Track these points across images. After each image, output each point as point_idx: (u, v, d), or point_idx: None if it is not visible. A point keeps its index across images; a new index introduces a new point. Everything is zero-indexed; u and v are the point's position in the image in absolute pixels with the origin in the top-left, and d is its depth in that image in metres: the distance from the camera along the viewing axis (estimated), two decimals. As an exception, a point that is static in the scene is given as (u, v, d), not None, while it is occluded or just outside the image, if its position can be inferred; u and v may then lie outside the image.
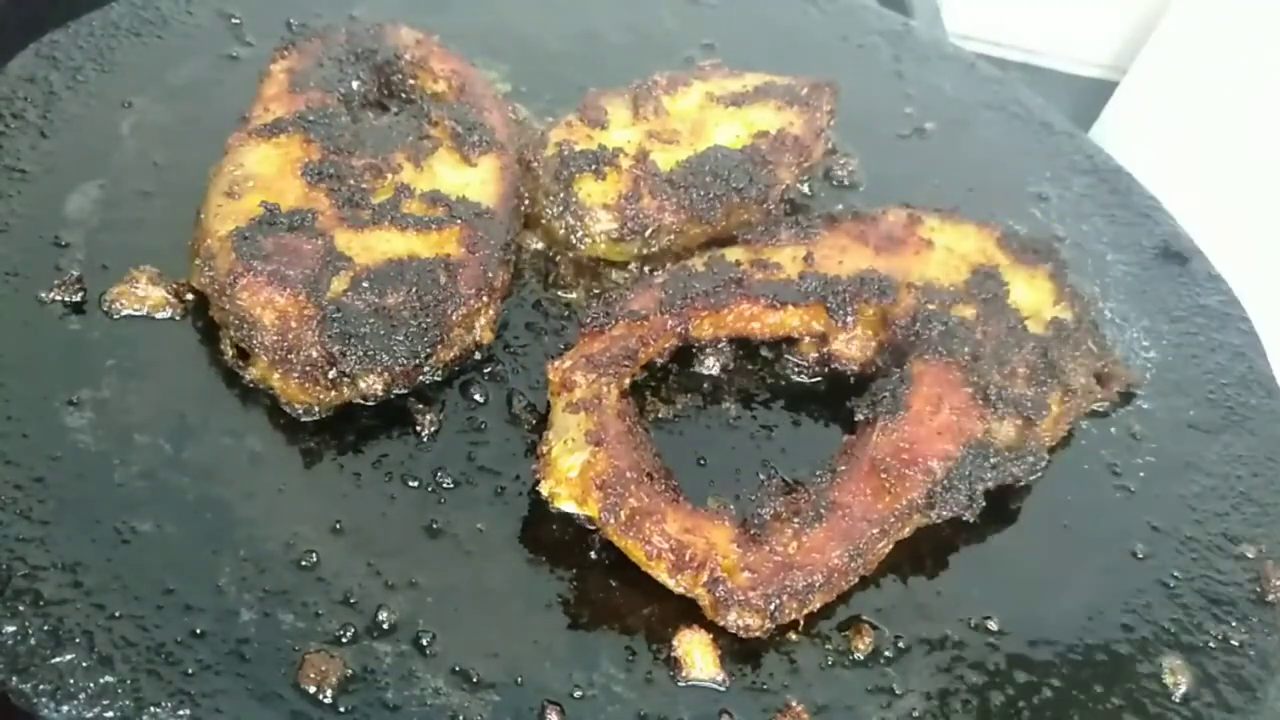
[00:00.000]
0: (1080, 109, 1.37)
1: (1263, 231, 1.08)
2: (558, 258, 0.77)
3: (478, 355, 0.69)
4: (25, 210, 0.70)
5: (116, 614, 0.53)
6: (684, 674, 0.58)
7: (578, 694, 0.56)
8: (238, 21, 0.87)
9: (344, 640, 0.55)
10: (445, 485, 0.63)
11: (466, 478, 0.63)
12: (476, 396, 0.67)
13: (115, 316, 0.65)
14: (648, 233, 0.76)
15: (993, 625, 0.62)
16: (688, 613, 0.59)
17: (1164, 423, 0.75)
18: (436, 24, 0.87)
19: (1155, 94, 1.28)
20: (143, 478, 0.59)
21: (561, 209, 0.76)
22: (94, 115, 0.77)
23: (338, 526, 0.60)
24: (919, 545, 0.64)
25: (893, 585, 0.63)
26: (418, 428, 0.65)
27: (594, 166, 0.76)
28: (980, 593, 0.64)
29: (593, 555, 0.61)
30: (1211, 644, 0.63)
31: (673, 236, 0.77)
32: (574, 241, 0.77)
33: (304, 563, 0.58)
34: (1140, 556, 0.67)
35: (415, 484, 0.62)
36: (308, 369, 0.62)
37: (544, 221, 0.77)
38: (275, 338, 0.62)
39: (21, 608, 0.52)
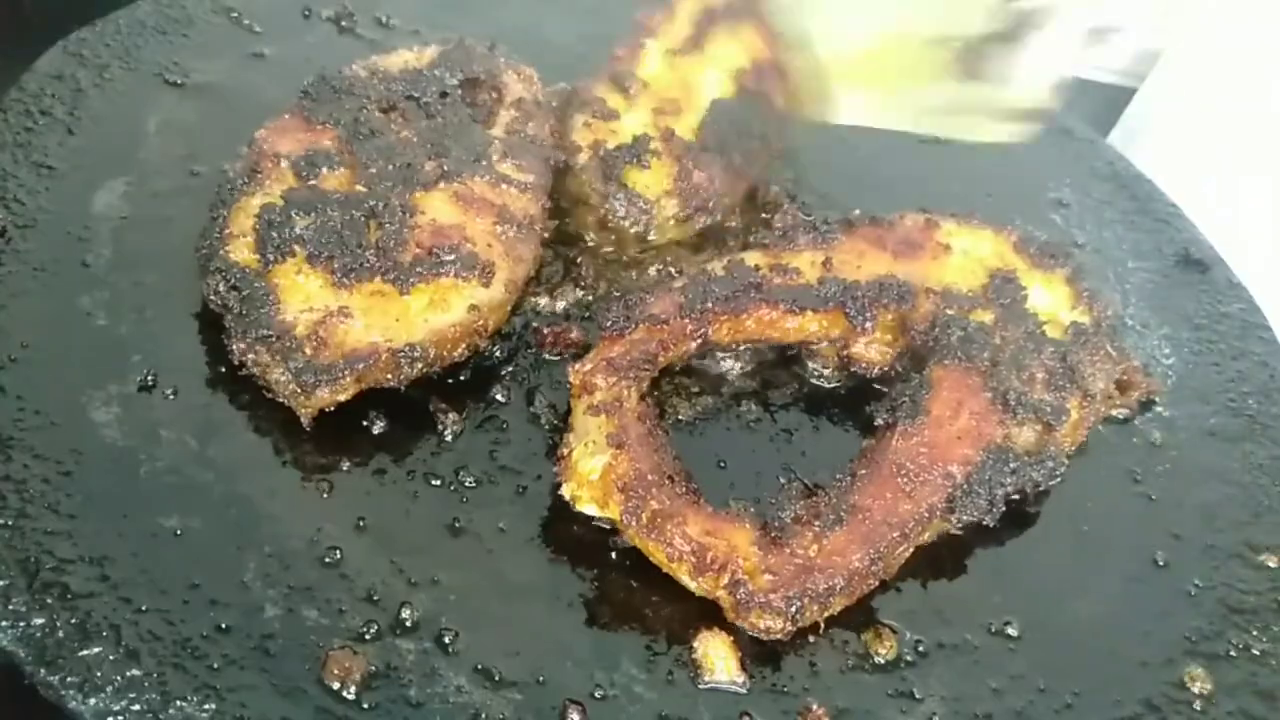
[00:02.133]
0: (1098, 115, 1.36)
1: (1283, 239, 1.08)
2: (579, 259, 0.78)
3: (498, 353, 0.69)
4: (53, 206, 0.70)
5: (143, 608, 0.54)
6: (704, 676, 0.58)
7: (599, 694, 0.56)
8: (252, 25, 0.87)
9: (367, 637, 0.55)
10: (467, 484, 0.63)
11: (489, 476, 0.64)
12: (498, 396, 0.68)
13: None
14: (710, 204, 0.79)
15: (1012, 630, 0.62)
16: (708, 614, 0.59)
17: (1185, 430, 0.75)
18: (456, 24, 0.88)
19: (1173, 100, 1.28)
20: (169, 473, 0.59)
21: (627, 206, 0.78)
22: (121, 113, 0.77)
23: (361, 524, 0.60)
24: (939, 550, 0.65)
25: (913, 589, 0.63)
26: (440, 427, 0.65)
27: (635, 159, 0.78)
28: (1000, 598, 0.64)
29: (614, 555, 0.61)
30: (1233, 653, 0.63)
31: (728, 200, 0.81)
32: (644, 234, 0.79)
33: (328, 560, 0.58)
34: (1161, 564, 0.67)
35: (438, 483, 0.63)
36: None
37: (610, 223, 0.78)
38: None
39: (50, 600, 0.53)
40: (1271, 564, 0.67)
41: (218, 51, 0.84)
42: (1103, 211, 0.91)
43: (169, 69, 0.81)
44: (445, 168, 0.72)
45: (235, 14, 0.87)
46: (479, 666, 0.55)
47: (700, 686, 0.57)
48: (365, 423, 0.64)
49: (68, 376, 0.62)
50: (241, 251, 0.65)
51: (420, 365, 0.63)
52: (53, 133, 0.74)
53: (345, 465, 0.62)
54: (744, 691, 0.58)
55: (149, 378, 0.63)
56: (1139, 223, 0.91)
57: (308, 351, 0.61)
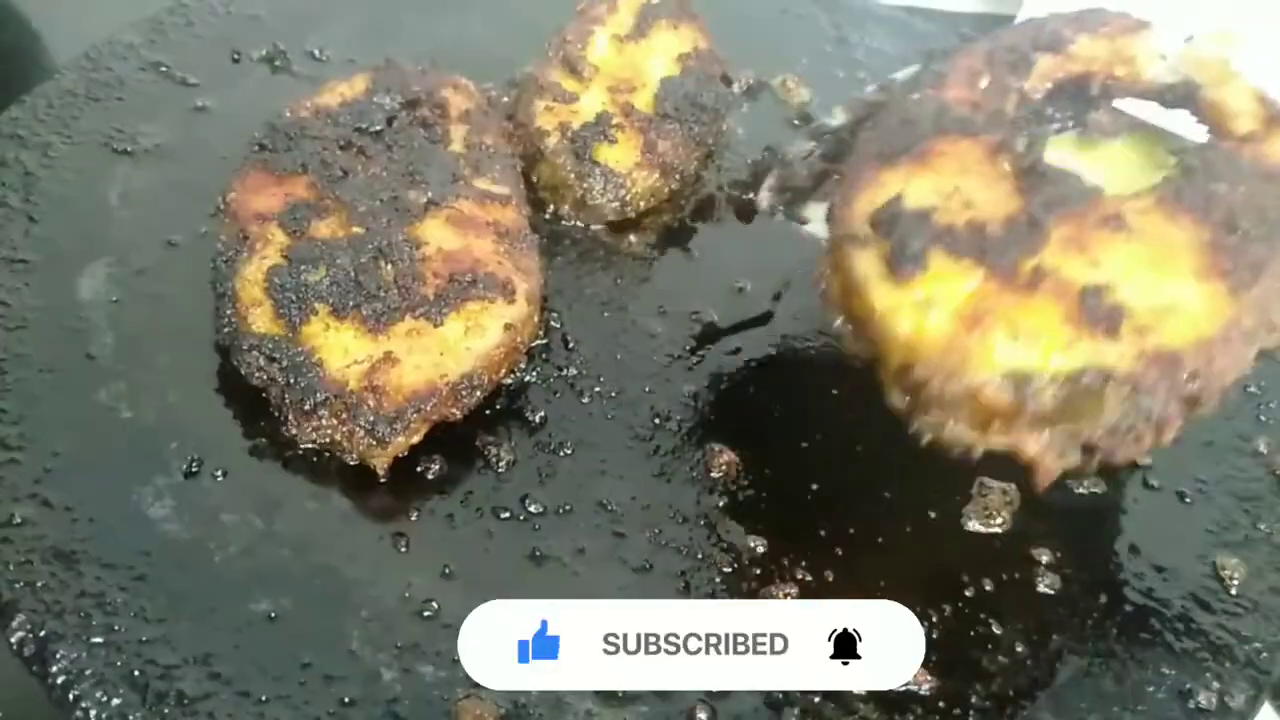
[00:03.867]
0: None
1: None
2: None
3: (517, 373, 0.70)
4: (38, 302, 0.67)
5: (263, 698, 0.53)
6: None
7: (715, 689, 0.58)
8: (185, 78, 0.84)
9: (486, 681, 0.56)
10: (535, 511, 0.64)
11: (553, 499, 0.64)
12: (534, 417, 0.68)
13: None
14: (679, 170, 0.83)
15: (1046, 558, 0.67)
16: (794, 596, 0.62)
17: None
18: (388, 49, 0.86)
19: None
20: (244, 557, 0.59)
21: (604, 182, 0.80)
22: (78, 192, 0.74)
23: (447, 571, 0.60)
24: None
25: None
26: (492, 460, 0.66)
27: (603, 135, 0.81)
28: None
29: (698, 556, 0.63)
30: (1253, 537, 0.69)
31: (693, 165, 0.85)
32: (622, 208, 0.82)
33: (426, 613, 0.58)
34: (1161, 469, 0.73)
35: (507, 515, 0.63)
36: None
37: (590, 201, 0.81)
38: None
39: (168, 710, 0.52)
40: (1263, 450, 0.73)
41: (157, 111, 0.81)
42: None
43: (114, 137, 0.78)
44: (429, 194, 0.72)
45: (165, 68, 0.84)
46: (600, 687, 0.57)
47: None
48: (420, 469, 0.64)
49: (110, 477, 0.60)
50: (264, 322, 0.63)
51: (478, 392, 0.64)
52: (14, 224, 0.71)
53: (414, 515, 0.62)
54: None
55: (193, 463, 0.62)
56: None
57: (370, 404, 0.60)
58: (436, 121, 0.79)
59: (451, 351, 0.64)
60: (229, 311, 0.65)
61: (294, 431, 0.62)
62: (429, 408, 0.62)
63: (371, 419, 0.61)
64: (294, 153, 0.72)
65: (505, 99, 0.87)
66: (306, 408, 0.61)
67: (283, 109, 0.76)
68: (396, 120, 0.78)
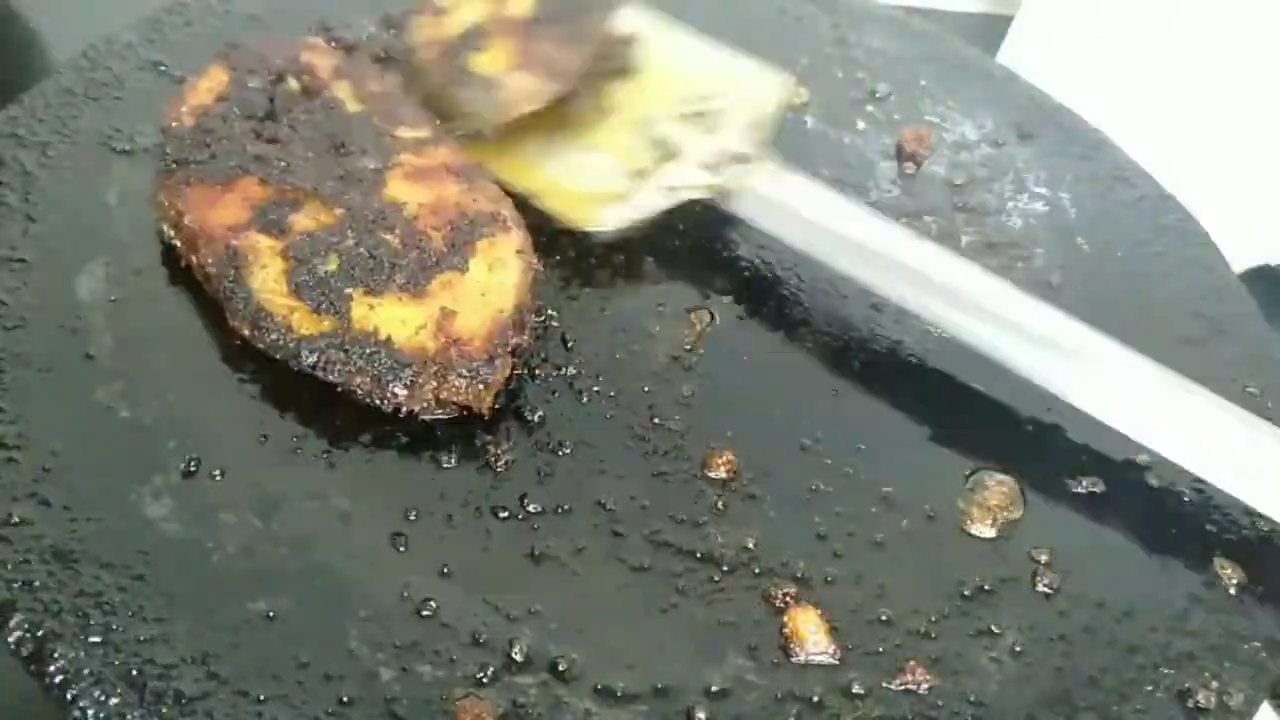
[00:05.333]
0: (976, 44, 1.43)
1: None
2: None
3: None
4: (36, 301, 0.67)
5: (261, 697, 0.53)
6: (798, 652, 0.60)
7: (715, 689, 0.58)
8: (184, 77, 0.83)
9: (485, 681, 0.56)
10: (534, 510, 0.64)
11: (552, 499, 0.64)
12: (532, 417, 0.68)
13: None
14: (560, 71, 0.80)
15: (1044, 557, 0.67)
16: (795, 595, 0.62)
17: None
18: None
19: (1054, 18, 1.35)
20: (242, 557, 0.58)
21: (484, 89, 0.79)
22: (76, 191, 0.74)
23: (445, 570, 0.60)
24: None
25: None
26: (491, 459, 0.65)
27: (474, 43, 0.80)
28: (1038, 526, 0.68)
29: (696, 555, 0.63)
30: (1248, 535, 0.69)
31: (575, 66, 0.82)
32: (501, 113, 0.79)
33: (425, 612, 0.58)
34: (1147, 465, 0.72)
35: (506, 514, 0.63)
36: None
37: (466, 110, 0.79)
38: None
39: (166, 709, 0.52)
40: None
41: (156, 110, 0.80)
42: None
43: (113, 136, 0.78)
44: (370, 162, 0.72)
45: (163, 67, 0.84)
46: (599, 686, 0.57)
47: (795, 662, 0.60)
48: (421, 469, 0.64)
49: (109, 477, 0.60)
50: (311, 324, 0.65)
51: (531, 317, 0.69)
52: (14, 223, 0.70)
53: (412, 515, 0.62)
54: (837, 661, 0.61)
55: (191, 463, 0.61)
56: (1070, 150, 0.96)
57: (455, 357, 0.63)
58: (317, 88, 0.78)
59: (491, 290, 0.67)
60: (272, 330, 0.65)
61: (410, 408, 0.65)
62: (511, 341, 0.66)
63: (468, 369, 0.64)
64: (219, 159, 0.71)
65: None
66: (406, 383, 0.63)
67: (164, 118, 0.74)
68: (276, 100, 0.76)
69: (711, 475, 0.67)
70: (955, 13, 1.50)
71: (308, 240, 0.67)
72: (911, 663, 0.60)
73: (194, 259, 0.69)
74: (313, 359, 0.64)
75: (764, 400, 0.72)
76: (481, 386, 0.64)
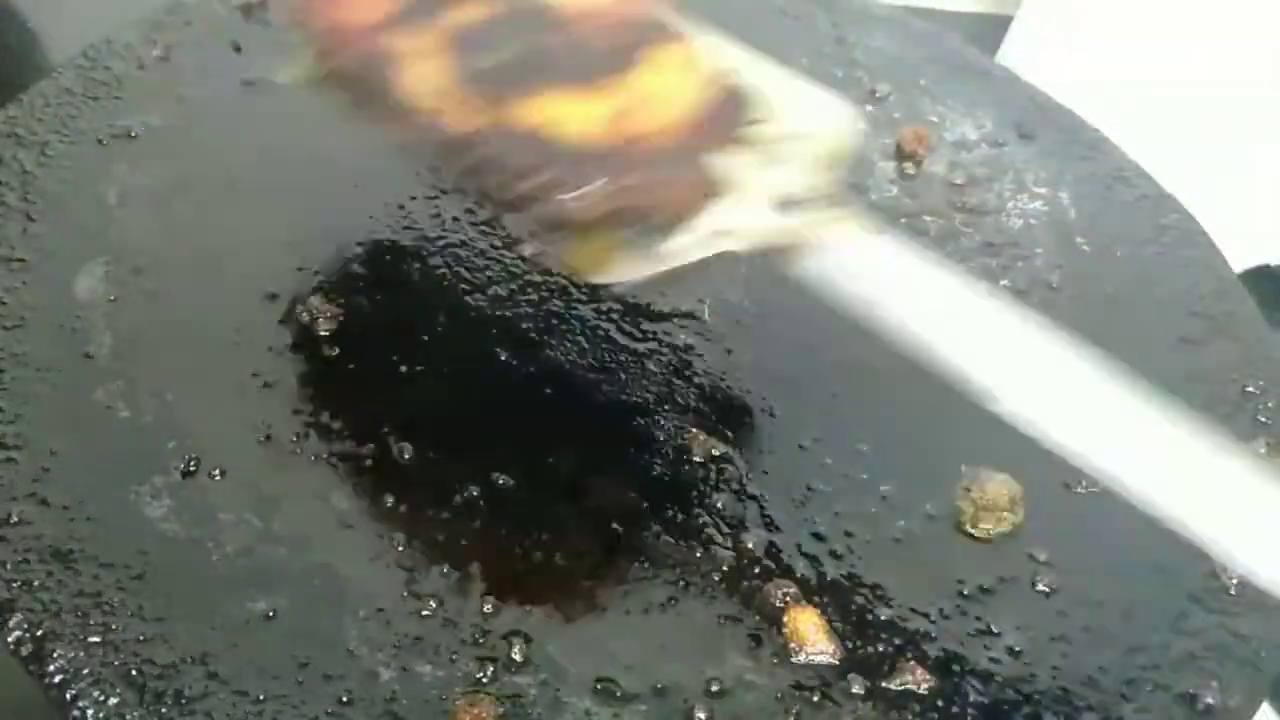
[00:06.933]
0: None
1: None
2: None
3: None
4: (35, 301, 0.67)
5: (261, 697, 0.53)
6: (798, 652, 0.60)
7: (715, 688, 0.58)
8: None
9: (485, 680, 0.56)
10: (534, 509, 0.64)
11: (552, 497, 0.64)
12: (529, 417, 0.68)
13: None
14: None
15: (1042, 556, 0.67)
16: (795, 593, 0.62)
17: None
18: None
19: (1054, 18, 1.35)
20: (241, 556, 0.58)
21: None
22: (76, 190, 0.74)
23: (444, 570, 0.60)
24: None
25: (964, 533, 0.68)
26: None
27: None
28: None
29: (696, 554, 0.63)
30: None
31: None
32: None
33: (424, 611, 0.58)
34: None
35: (505, 514, 0.63)
36: None
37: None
38: None
39: (165, 709, 0.52)
40: (1263, 451, 0.74)
41: (152, 108, 0.81)
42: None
43: (112, 136, 0.78)
44: None
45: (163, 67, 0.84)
46: (599, 686, 0.57)
47: (795, 662, 0.60)
48: (413, 469, 0.64)
49: (108, 476, 0.60)
50: (465, 118, 0.59)
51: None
52: (12, 222, 0.70)
53: (409, 515, 0.62)
54: (837, 661, 0.61)
55: (190, 463, 0.61)
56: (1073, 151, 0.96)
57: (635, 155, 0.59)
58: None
59: (660, 95, 0.62)
60: (423, 122, 0.61)
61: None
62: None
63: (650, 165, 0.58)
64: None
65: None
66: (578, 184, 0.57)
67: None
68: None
69: (712, 475, 0.67)
70: (955, 13, 1.50)
71: (463, 34, 0.64)
72: (911, 663, 0.60)
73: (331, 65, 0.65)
74: (474, 160, 0.60)
75: (764, 400, 0.72)
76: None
